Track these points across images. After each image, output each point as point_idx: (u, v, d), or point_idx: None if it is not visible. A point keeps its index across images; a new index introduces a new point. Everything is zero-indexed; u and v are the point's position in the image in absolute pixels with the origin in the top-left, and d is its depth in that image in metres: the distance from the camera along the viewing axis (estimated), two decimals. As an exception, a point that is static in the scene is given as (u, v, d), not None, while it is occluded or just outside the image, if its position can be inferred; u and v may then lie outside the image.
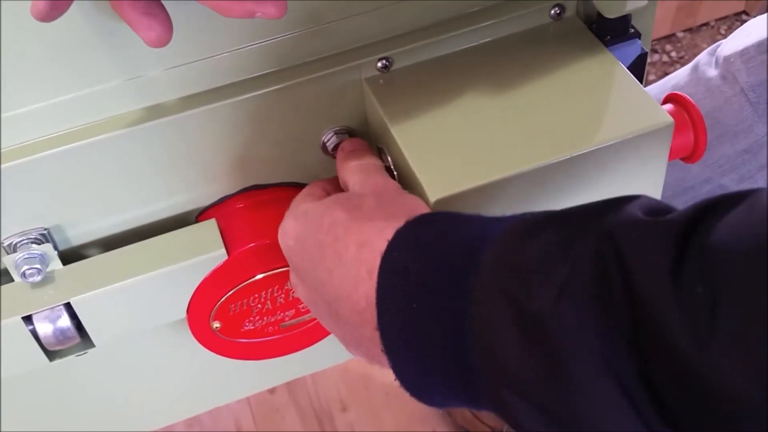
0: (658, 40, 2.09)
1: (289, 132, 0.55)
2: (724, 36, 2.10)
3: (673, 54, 2.07)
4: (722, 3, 2.07)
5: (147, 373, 0.67)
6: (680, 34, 2.11)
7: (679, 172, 0.90)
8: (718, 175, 0.87)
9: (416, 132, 0.51)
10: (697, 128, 0.54)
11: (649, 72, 2.02)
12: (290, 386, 1.45)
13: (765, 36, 0.82)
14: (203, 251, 0.54)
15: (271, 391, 1.45)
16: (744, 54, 0.83)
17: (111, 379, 0.66)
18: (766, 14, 0.88)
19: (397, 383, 0.42)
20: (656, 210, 0.37)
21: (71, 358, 0.56)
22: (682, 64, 2.04)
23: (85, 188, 0.53)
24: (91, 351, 0.55)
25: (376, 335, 0.42)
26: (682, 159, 0.56)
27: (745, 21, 2.18)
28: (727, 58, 0.85)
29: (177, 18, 0.42)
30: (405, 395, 0.41)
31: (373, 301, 0.42)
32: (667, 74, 2.01)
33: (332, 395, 1.44)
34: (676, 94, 0.55)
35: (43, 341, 0.52)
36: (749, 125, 0.83)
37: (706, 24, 2.13)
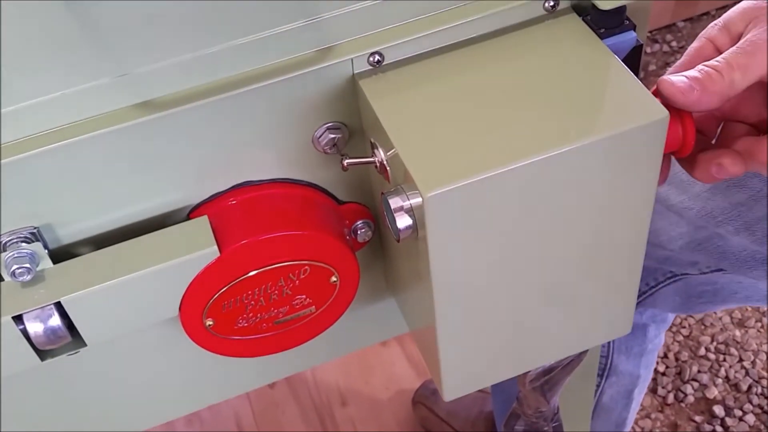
0: (659, 29, 2.09)
1: (281, 128, 0.54)
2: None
3: (674, 44, 2.06)
4: (723, -8, 2.06)
5: (145, 370, 0.67)
6: (680, 24, 2.10)
7: (674, 216, 0.88)
8: (713, 225, 0.85)
9: (408, 127, 0.51)
10: (684, 121, 0.54)
11: (650, 62, 2.01)
12: (290, 381, 1.45)
13: None
14: (195, 248, 0.53)
15: (271, 385, 1.45)
16: None
17: (109, 376, 0.65)
18: None
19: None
20: None
21: (68, 356, 0.55)
22: (683, 54, 2.03)
23: (75, 186, 0.52)
24: (88, 348, 0.55)
25: None
26: (673, 154, 0.56)
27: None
28: None
29: (166, 13, 0.42)
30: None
31: None
32: (668, 64, 2.01)
33: (332, 390, 1.44)
34: None
35: (34, 341, 0.52)
36: (742, 179, 0.81)
37: (707, 13, 2.12)
